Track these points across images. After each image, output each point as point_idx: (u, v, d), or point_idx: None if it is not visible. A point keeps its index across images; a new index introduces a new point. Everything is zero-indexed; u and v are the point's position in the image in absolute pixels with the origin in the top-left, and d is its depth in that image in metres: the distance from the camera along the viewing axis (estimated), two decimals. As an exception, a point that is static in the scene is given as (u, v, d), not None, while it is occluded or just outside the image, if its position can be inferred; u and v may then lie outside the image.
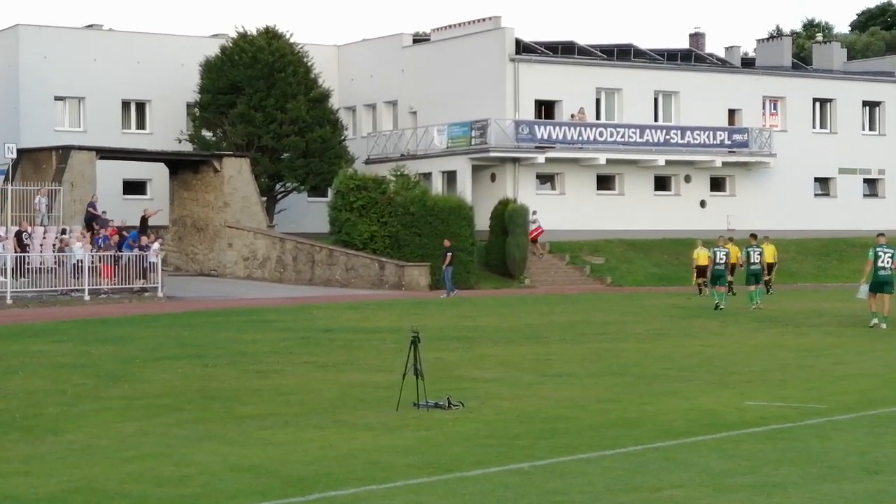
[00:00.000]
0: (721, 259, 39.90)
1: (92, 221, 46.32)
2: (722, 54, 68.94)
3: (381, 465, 13.41)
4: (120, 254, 44.13)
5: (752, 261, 39.00)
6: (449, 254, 47.87)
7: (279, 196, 60.83)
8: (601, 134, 58.80)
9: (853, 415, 16.86)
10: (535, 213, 55.31)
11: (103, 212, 47.47)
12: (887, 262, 30.95)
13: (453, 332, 29.76)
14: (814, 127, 66.25)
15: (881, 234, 32.57)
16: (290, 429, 15.86)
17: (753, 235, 41.81)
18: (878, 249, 31.16)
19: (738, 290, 42.21)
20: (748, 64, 69.49)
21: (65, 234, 44.85)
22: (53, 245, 44.47)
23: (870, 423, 16.22)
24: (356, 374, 21.68)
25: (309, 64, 59.86)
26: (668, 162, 60.21)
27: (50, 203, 47.13)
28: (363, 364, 23.37)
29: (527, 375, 21.47)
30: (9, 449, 14.57)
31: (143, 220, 47.83)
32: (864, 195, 67.24)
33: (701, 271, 44.94)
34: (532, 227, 54.71)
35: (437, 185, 57.86)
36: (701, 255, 45.01)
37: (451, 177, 58.43)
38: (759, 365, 23.00)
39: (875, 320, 30.81)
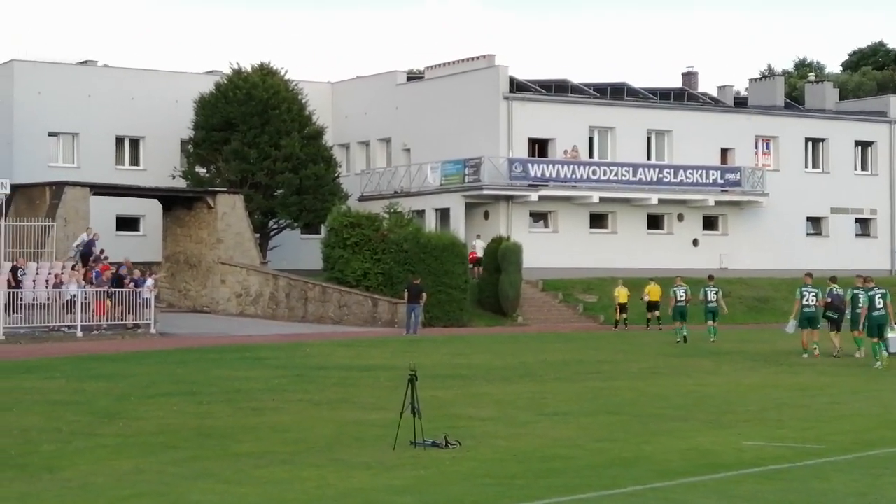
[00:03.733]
0: (681, 297, 43.03)
1: (88, 257, 46.17)
2: (715, 93, 69.19)
3: (380, 505, 13.36)
4: (113, 290, 44.00)
5: (709, 299, 41.98)
6: (423, 293, 47.34)
7: (272, 233, 60.81)
8: (594, 172, 58.89)
9: (851, 455, 16.84)
10: (478, 236, 55.75)
11: (101, 250, 47.29)
12: (812, 301, 34.89)
13: (448, 370, 29.70)
14: (806, 166, 66.45)
15: (808, 275, 36.44)
16: (287, 467, 15.79)
17: (710, 277, 44.68)
18: (803, 290, 35.15)
19: (694, 327, 43.66)
20: (741, 103, 69.76)
21: (63, 269, 44.70)
22: (46, 281, 44.34)
23: (868, 463, 16.19)
24: (352, 413, 21.61)
25: (303, 101, 59.98)
26: (660, 200, 60.30)
27: (43, 239, 47.06)
28: (358, 402, 23.31)
29: (522, 414, 21.42)
30: (4, 486, 14.49)
31: (90, 243, 47.21)
32: (857, 235, 67.39)
33: (652, 306, 49.87)
34: (471, 250, 54.68)
35: (431, 223, 57.89)
36: (653, 291, 49.90)
37: (444, 214, 58.48)
38: (754, 405, 22.97)
39: (806, 354, 34.33)
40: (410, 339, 43.69)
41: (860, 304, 32.93)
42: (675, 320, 43.14)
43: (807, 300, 34.87)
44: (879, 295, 32.48)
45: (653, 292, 50.43)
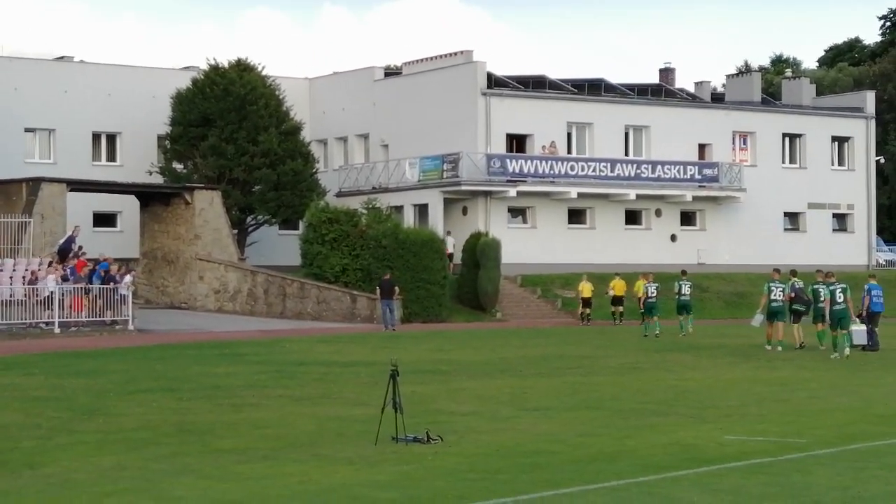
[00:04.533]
0: (652, 293, 44.01)
1: (67, 253, 45.98)
2: (692, 89, 69.32)
3: (363, 500, 13.32)
4: (90, 286, 43.83)
5: (682, 293, 43.58)
6: (395, 287, 47.63)
7: (250, 229, 60.67)
8: (572, 168, 58.95)
9: (833, 449, 16.85)
10: (448, 232, 56.01)
11: (80, 246, 47.10)
12: (779, 295, 35.69)
13: (428, 366, 29.67)
14: (783, 162, 66.65)
15: (776, 270, 37.48)
16: (269, 463, 15.73)
17: (683, 272, 46.31)
18: (771, 284, 36.09)
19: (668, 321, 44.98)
20: (718, 99, 69.92)
21: (40, 266, 44.52)
22: (23, 277, 44.14)
23: (850, 457, 16.21)
24: (333, 408, 21.55)
25: (280, 97, 59.85)
26: (638, 196, 60.39)
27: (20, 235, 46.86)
28: (339, 398, 23.26)
29: (504, 409, 21.40)
30: (-15, 483, 14.39)
31: (71, 239, 47.14)
32: (834, 230, 67.65)
33: (617, 300, 50.81)
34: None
35: (409, 219, 57.83)
36: (618, 286, 50.94)
37: (422, 210, 58.42)
38: (736, 399, 22.99)
39: (770, 346, 35.15)
40: (389, 334, 43.66)
41: (821, 299, 34.47)
42: (645, 315, 44.31)
43: (774, 295, 35.80)
44: (840, 290, 33.59)
45: (617, 287, 51.20)
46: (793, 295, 36.17)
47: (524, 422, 19.74)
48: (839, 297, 33.50)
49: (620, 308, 51.15)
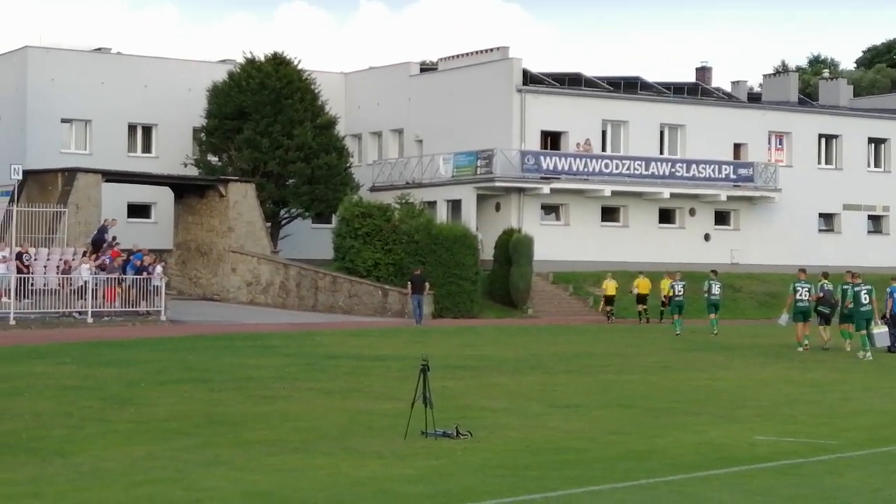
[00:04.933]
0: (679, 291, 44.81)
1: (100, 243, 46.23)
2: (728, 88, 69.03)
3: (393, 494, 13.33)
4: (124, 276, 44.04)
5: (712, 292, 43.94)
6: (426, 283, 47.78)
7: (284, 222, 60.79)
8: (607, 166, 58.81)
9: (864, 451, 16.78)
10: (476, 229, 55.52)
11: (114, 237, 47.33)
12: (805, 295, 36.17)
13: (458, 361, 29.69)
14: (819, 163, 66.27)
15: (802, 270, 38.06)
16: (299, 455, 15.76)
17: (714, 271, 46.28)
18: (797, 285, 36.51)
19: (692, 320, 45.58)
20: (754, 99, 69.60)
21: (74, 255, 44.78)
22: (57, 267, 44.39)
23: (882, 459, 16.14)
24: (363, 402, 21.59)
25: (316, 91, 59.89)
26: (672, 195, 60.20)
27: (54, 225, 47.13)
28: (369, 391, 23.30)
29: (534, 406, 21.38)
30: (17, 470, 14.48)
31: (103, 229, 47.44)
32: (869, 231, 67.21)
33: (641, 299, 51.05)
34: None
35: (442, 214, 57.81)
36: (642, 284, 51.31)
37: (455, 206, 58.40)
38: (767, 399, 22.91)
39: (801, 348, 35.32)
40: (420, 329, 43.68)
41: (847, 299, 35.11)
42: (672, 313, 44.78)
43: (800, 295, 36.27)
44: (865, 291, 34.37)
45: (641, 285, 51.55)
46: (820, 295, 36.49)
47: (554, 418, 19.72)
48: (864, 299, 34.23)
49: (645, 306, 51.40)
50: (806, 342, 35.61)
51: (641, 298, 51.48)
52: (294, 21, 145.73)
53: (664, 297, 48.67)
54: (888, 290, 36.08)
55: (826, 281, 37.14)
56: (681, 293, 44.79)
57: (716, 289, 44.12)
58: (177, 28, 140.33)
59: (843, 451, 16.79)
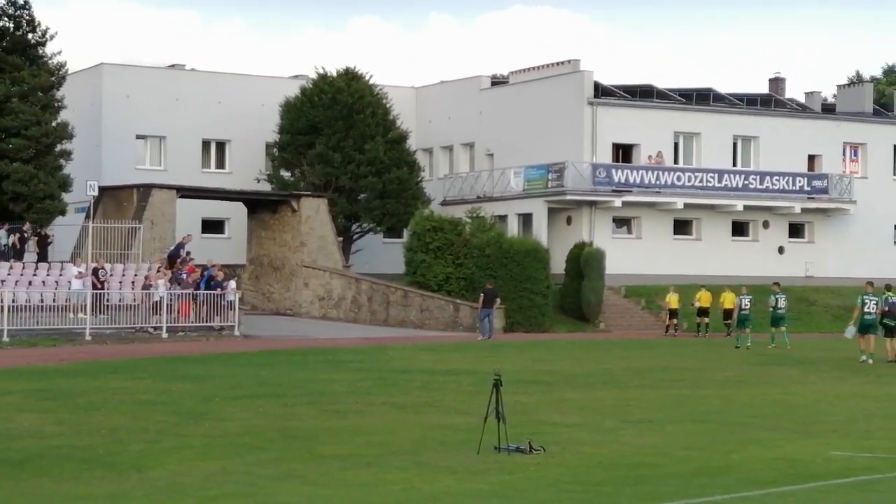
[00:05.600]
0: (746, 305, 44.87)
1: (175, 258, 46.69)
2: (802, 99, 68.40)
3: (466, 509, 13.32)
4: (198, 292, 44.41)
5: (777, 305, 44.13)
6: (497, 298, 47.80)
7: (355, 236, 61.04)
8: (679, 178, 58.51)
9: (944, 467, 16.52)
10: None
11: (188, 252, 47.79)
12: (872, 308, 36.19)
13: (530, 376, 29.62)
14: (895, 174, 65.48)
15: (869, 283, 38.05)
16: (372, 470, 15.79)
17: (777, 283, 46.17)
18: (864, 297, 36.58)
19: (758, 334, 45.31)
20: (828, 110, 68.90)
21: (150, 270, 45.26)
22: (132, 282, 44.87)
23: (961, 476, 15.87)
24: (435, 416, 21.59)
25: (387, 105, 60.14)
26: (746, 207, 59.78)
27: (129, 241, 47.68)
28: (441, 406, 23.29)
29: (607, 421, 21.28)
30: (94, 485, 14.63)
31: (180, 245, 47.91)
32: (946, 244, 66.22)
33: (727, 314, 49.90)
34: None
35: (513, 228, 57.79)
36: (703, 297, 51.31)
37: (526, 219, 58.34)
38: (843, 414, 22.66)
39: (864, 357, 35.47)
40: (491, 343, 43.63)
41: None
42: (739, 327, 45.23)
43: (868, 307, 36.36)
44: (875, 301, 35.49)
45: (703, 298, 51.50)
46: (886, 309, 36.40)
47: (627, 434, 19.62)
48: None
49: (706, 319, 51.32)
50: (869, 359, 35.36)
51: (703, 311, 51.38)
52: (365, 34, 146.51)
53: (724, 310, 49.51)
54: None
55: (891, 293, 37.01)
56: (747, 307, 44.84)
57: (781, 302, 44.24)
58: (248, 43, 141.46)
59: (922, 467, 16.55)
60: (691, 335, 51.06)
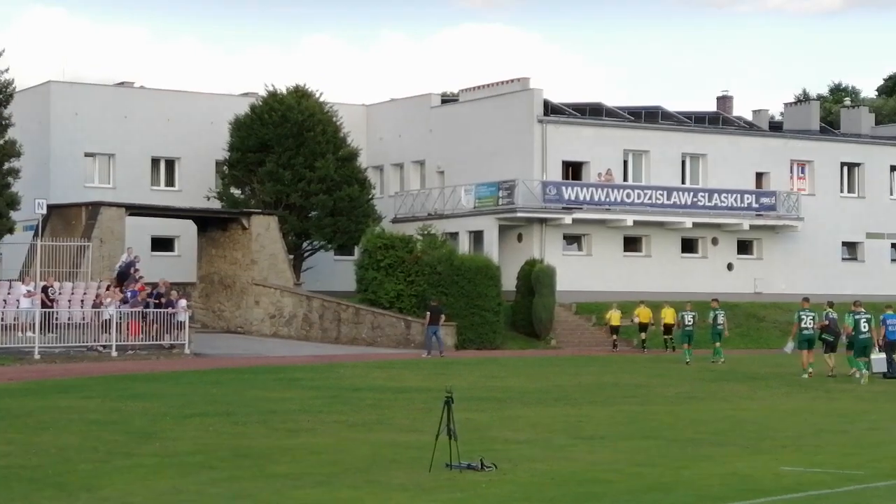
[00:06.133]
0: (689, 321, 45.57)
1: (124, 277, 46.38)
2: (750, 117, 68.99)
3: (418, 527, 13.30)
4: (147, 310, 44.16)
5: (717, 321, 44.92)
6: (442, 315, 47.97)
7: (306, 254, 60.92)
8: (628, 195, 58.81)
9: (892, 482, 16.67)
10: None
11: (136, 269, 47.41)
12: (810, 324, 37.11)
13: (482, 393, 29.66)
14: (842, 191, 66.14)
15: (805, 300, 38.61)
16: (324, 488, 15.76)
17: (715, 300, 46.87)
18: (801, 313, 37.34)
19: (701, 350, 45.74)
20: (776, 127, 69.53)
21: (99, 288, 44.94)
22: (82, 301, 44.55)
23: (909, 490, 16.03)
24: (387, 434, 21.58)
25: (338, 123, 60.10)
26: (695, 224, 60.16)
27: (79, 259, 47.35)
28: (393, 424, 23.28)
29: (559, 437, 21.34)
30: (43, 505, 14.51)
31: (131, 263, 47.54)
32: (892, 260, 66.96)
33: (668, 329, 50.87)
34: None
35: (464, 245, 57.89)
36: (643, 313, 52.09)
37: (477, 236, 58.47)
38: (792, 430, 22.82)
39: (805, 374, 36.21)
40: (442, 361, 43.64)
41: (849, 325, 36.47)
42: (682, 342, 45.95)
43: (805, 323, 37.24)
44: (864, 319, 35.96)
45: (642, 314, 52.38)
46: (826, 323, 37.65)
47: (579, 450, 19.68)
48: (864, 327, 35.75)
49: (644, 335, 52.35)
50: (811, 369, 36.47)
51: (643, 327, 52.28)
52: (316, 52, 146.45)
53: (665, 325, 50.50)
54: (881, 317, 37.33)
55: (831, 310, 38.42)
56: (691, 323, 45.55)
57: (720, 318, 45.04)
58: (199, 60, 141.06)
59: (871, 481, 16.69)
60: (634, 350, 51.47)
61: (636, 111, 63.06)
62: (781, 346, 41.18)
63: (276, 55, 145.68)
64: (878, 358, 36.67)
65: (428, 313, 47.85)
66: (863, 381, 34.31)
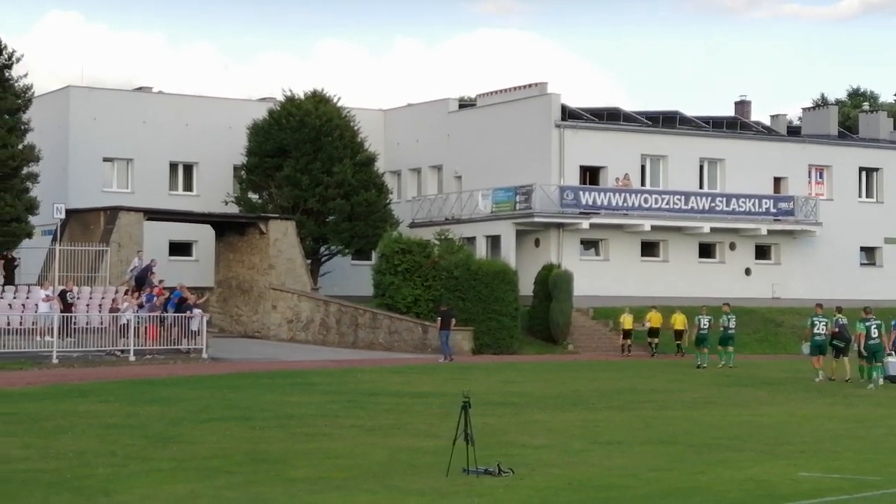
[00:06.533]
0: (705, 325, 45.88)
1: (142, 281, 46.50)
2: (768, 122, 68.82)
3: (435, 532, 13.32)
4: (165, 314, 44.26)
5: (729, 326, 45.17)
6: (453, 319, 48.00)
7: (324, 259, 60.99)
8: (646, 200, 58.75)
9: (910, 487, 16.64)
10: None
11: (152, 273, 47.54)
12: (822, 329, 37.74)
13: (499, 398, 29.66)
14: (860, 196, 65.94)
15: (819, 305, 39.44)
16: (342, 493, 15.78)
17: (727, 304, 46.62)
18: (814, 319, 38.18)
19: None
20: (794, 132, 69.33)
21: (117, 293, 45.06)
22: (100, 305, 44.67)
23: (927, 496, 15.99)
24: (404, 439, 21.60)
25: (355, 128, 60.17)
26: (712, 229, 60.05)
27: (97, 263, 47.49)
28: (410, 428, 23.30)
29: (576, 442, 21.33)
30: (61, 509, 14.56)
31: (148, 268, 47.74)
32: (911, 264, 66.71)
33: (678, 334, 51.18)
34: None
35: (482, 250, 57.87)
36: (654, 318, 52.14)
37: (495, 241, 58.45)
38: (810, 435, 22.78)
39: (818, 378, 36.93)
40: (459, 365, 43.63)
41: (859, 332, 36.67)
42: (696, 346, 46.07)
43: (818, 328, 37.96)
44: (875, 325, 36.18)
45: (654, 319, 52.45)
46: (836, 330, 38.01)
47: (596, 455, 19.67)
48: (874, 333, 35.97)
49: (656, 339, 52.22)
50: (820, 372, 37.27)
51: (653, 332, 52.30)
52: (332, 58, 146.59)
53: (675, 331, 50.79)
54: (892, 322, 38.05)
55: (841, 315, 38.71)
56: (706, 327, 45.82)
57: (731, 323, 45.28)
58: (215, 66, 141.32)
59: (888, 486, 16.66)
60: (645, 355, 51.42)
61: (654, 116, 62.98)
62: (798, 352, 41.56)
63: (292, 61, 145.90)
64: (892, 362, 36.86)
65: (439, 318, 47.90)
66: (874, 386, 34.61)
